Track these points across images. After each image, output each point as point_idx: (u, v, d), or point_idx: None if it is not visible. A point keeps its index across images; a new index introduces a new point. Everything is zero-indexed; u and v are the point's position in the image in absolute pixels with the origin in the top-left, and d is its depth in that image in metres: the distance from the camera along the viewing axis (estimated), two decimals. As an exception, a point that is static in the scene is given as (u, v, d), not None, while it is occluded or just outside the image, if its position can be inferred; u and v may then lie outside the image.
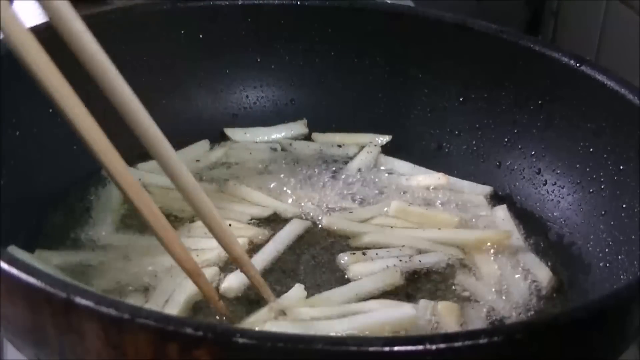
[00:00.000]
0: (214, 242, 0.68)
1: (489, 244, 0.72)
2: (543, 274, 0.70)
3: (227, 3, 0.84)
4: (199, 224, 0.71)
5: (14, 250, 0.64)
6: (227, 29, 0.84)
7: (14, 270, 0.47)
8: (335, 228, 0.74)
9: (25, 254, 0.65)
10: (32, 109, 0.73)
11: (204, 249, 0.69)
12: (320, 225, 0.75)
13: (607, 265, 0.69)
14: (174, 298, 0.63)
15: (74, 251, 0.69)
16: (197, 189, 0.57)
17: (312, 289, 0.67)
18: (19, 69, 0.69)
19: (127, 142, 0.76)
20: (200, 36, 0.83)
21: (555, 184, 0.77)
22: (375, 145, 0.84)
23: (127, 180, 0.55)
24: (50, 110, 0.73)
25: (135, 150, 0.77)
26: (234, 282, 0.66)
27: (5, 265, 0.48)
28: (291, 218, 0.75)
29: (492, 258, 0.71)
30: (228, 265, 0.68)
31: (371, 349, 0.45)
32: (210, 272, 0.66)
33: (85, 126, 0.53)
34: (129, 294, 0.64)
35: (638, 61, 0.85)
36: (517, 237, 0.74)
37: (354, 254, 0.71)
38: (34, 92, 0.72)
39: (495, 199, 0.79)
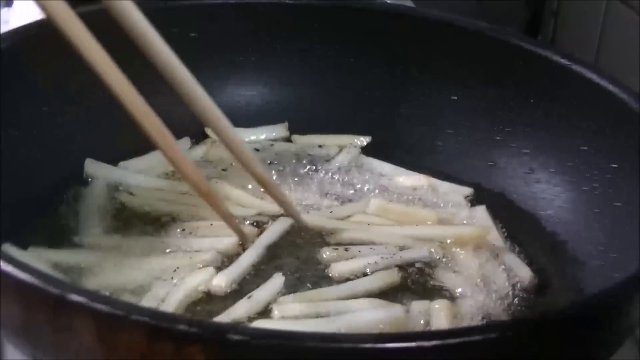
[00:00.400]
0: (209, 243, 0.69)
1: (469, 240, 0.72)
2: (524, 272, 0.70)
3: (225, 2, 0.84)
4: (194, 224, 0.72)
5: (7, 248, 0.64)
6: (225, 28, 0.84)
7: (7, 267, 0.47)
8: (313, 225, 0.74)
9: (18, 251, 0.64)
10: (32, 108, 0.73)
11: (200, 250, 0.69)
12: (299, 223, 0.74)
13: (601, 263, 0.69)
14: (168, 299, 0.63)
15: (68, 250, 0.68)
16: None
17: (298, 286, 0.67)
18: (19, 68, 0.70)
19: (108, 142, 0.79)
20: (198, 35, 0.84)
21: (548, 182, 0.77)
22: (355, 147, 0.84)
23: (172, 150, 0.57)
24: (52, 110, 0.75)
25: (115, 149, 0.79)
26: (222, 280, 0.66)
27: (-1, 263, 0.48)
28: (275, 216, 0.74)
29: (473, 255, 0.72)
30: (224, 265, 0.68)
31: (364, 345, 0.46)
32: (207, 273, 0.66)
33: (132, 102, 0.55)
34: (123, 295, 0.64)
35: (638, 61, 0.85)
36: (496, 236, 0.74)
37: (336, 249, 0.71)
38: (34, 92, 0.73)
39: (488, 197, 0.79)
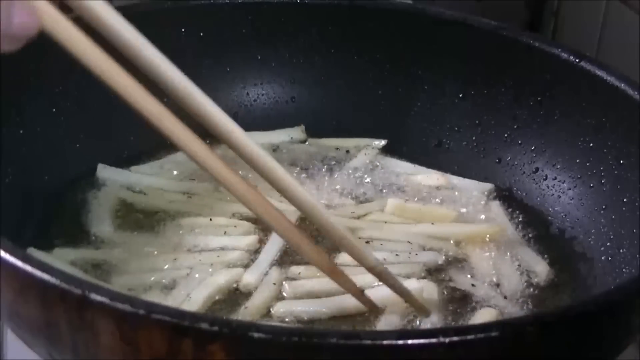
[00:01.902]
0: (229, 241, 0.69)
1: (484, 238, 0.73)
2: (540, 267, 0.71)
3: (228, 1, 0.84)
4: (214, 221, 0.72)
5: (32, 252, 0.64)
6: (228, 27, 0.84)
7: (28, 267, 0.47)
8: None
9: (43, 254, 0.65)
10: (36, 107, 0.73)
11: (221, 248, 0.70)
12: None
13: (609, 259, 0.69)
14: (193, 296, 0.64)
15: (92, 250, 0.69)
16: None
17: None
18: (23, 68, 0.70)
19: (119, 144, 0.79)
20: (201, 34, 0.84)
21: (555, 179, 0.78)
22: (373, 148, 0.84)
23: (204, 155, 0.53)
24: (54, 110, 0.75)
25: (125, 152, 0.79)
26: (252, 277, 0.66)
27: (19, 263, 0.48)
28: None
29: (487, 253, 0.72)
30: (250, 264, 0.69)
31: (385, 342, 0.46)
32: (235, 271, 0.67)
33: (148, 107, 0.50)
34: (149, 291, 0.64)
35: (638, 61, 0.85)
36: (512, 231, 0.75)
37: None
38: (38, 91, 0.73)
39: (496, 194, 0.79)
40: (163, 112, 0.51)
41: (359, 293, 0.62)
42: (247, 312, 0.63)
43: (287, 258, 0.70)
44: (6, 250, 0.49)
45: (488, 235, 0.73)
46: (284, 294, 0.66)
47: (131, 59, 0.48)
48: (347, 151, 0.84)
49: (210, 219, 0.72)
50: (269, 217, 0.56)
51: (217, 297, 0.65)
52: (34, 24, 0.45)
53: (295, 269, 0.68)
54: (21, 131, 0.72)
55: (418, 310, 0.64)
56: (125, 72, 0.49)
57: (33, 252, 0.64)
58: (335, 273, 0.60)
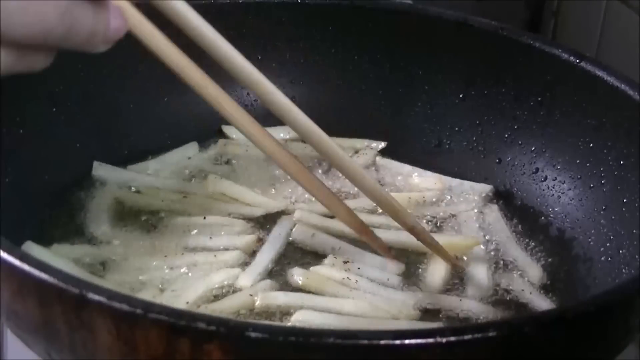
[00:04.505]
0: (227, 240, 0.69)
1: (460, 250, 0.72)
2: (534, 271, 0.71)
3: (228, 1, 0.84)
4: (209, 220, 0.72)
5: (30, 245, 0.65)
6: (228, 27, 0.84)
7: (25, 267, 0.48)
8: (312, 224, 0.74)
9: (40, 249, 0.65)
10: (36, 107, 0.73)
11: (218, 247, 0.70)
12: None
13: (609, 259, 0.69)
14: (186, 295, 0.64)
15: (90, 247, 0.69)
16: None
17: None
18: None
19: (118, 144, 0.79)
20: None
21: (555, 179, 0.77)
22: (372, 149, 0.84)
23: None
24: (54, 110, 0.75)
25: (124, 152, 0.79)
26: (247, 279, 0.66)
27: (17, 262, 0.48)
28: (280, 213, 0.75)
29: (485, 252, 0.72)
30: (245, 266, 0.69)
31: (382, 342, 0.46)
32: (231, 272, 0.67)
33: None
34: (142, 290, 0.64)
35: (638, 61, 0.86)
36: (507, 235, 0.75)
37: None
38: (38, 91, 0.74)
39: (496, 195, 0.80)
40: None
41: (387, 250, 0.65)
42: (206, 310, 0.63)
43: (284, 260, 0.70)
44: (4, 250, 0.49)
45: (462, 248, 0.72)
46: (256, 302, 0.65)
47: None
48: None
49: (204, 217, 0.72)
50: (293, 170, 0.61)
51: (213, 297, 0.65)
52: (124, 27, 0.48)
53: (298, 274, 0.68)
54: (21, 131, 0.72)
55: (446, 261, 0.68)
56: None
57: (30, 246, 0.65)
58: (362, 232, 0.63)
